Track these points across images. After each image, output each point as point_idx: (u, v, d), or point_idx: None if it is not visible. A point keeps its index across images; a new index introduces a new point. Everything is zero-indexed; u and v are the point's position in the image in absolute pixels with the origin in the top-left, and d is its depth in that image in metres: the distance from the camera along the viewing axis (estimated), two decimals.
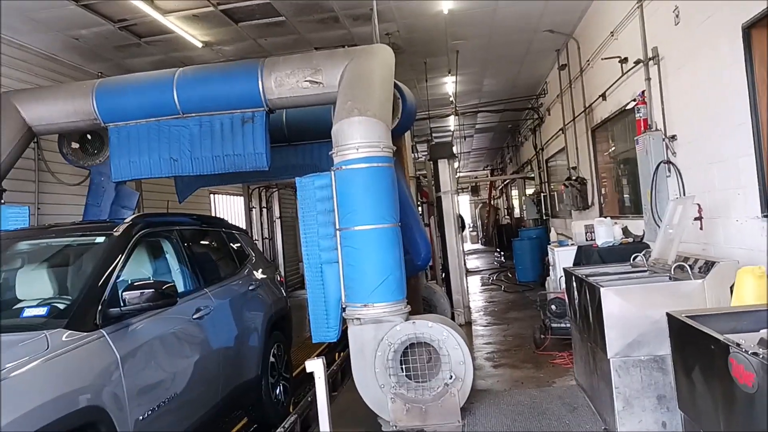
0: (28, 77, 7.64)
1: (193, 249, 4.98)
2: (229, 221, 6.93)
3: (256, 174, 6.69)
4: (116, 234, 4.09)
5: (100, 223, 5.41)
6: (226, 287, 5.13)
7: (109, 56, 8.87)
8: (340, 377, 6.49)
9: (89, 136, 6.65)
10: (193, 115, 5.85)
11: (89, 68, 8.99)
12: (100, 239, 4.13)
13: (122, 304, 3.53)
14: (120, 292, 3.62)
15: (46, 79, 7.97)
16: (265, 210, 15.32)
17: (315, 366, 3.60)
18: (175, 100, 5.76)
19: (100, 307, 3.47)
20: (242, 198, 14.63)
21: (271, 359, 5.59)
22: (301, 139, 7.20)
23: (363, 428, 4.58)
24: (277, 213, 15.82)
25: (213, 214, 13.30)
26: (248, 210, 14.62)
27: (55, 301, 3.70)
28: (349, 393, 5.30)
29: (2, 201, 5.74)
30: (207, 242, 5.66)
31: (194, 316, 4.33)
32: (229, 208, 14.37)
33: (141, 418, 3.48)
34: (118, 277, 3.77)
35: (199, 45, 8.80)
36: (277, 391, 5.68)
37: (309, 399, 5.34)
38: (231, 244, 5.87)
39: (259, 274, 5.95)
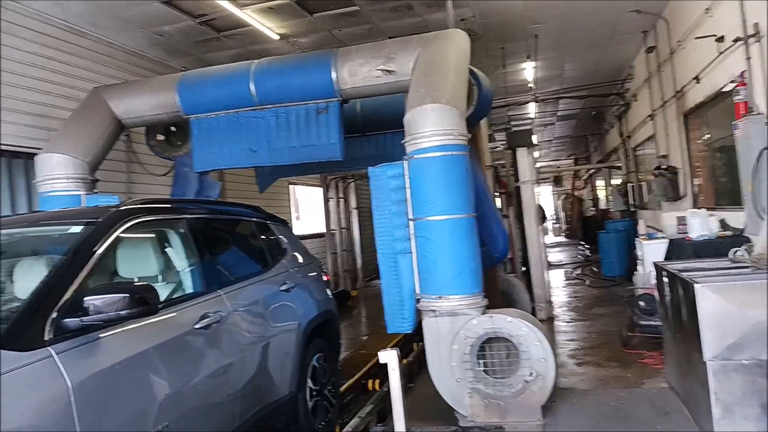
0: (117, 73, 8.03)
1: (208, 242, 4.13)
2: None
3: (330, 164, 6.69)
4: (96, 223, 3.28)
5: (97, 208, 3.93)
6: (249, 288, 4.30)
7: (191, 51, 9.17)
8: (417, 368, 6.40)
9: (173, 129, 6.87)
10: (270, 106, 5.92)
11: (172, 63, 9.34)
12: (76, 229, 3.28)
13: (85, 314, 2.68)
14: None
15: (133, 74, 8.34)
16: (341, 200, 15.45)
17: (388, 357, 3.52)
18: (252, 92, 5.85)
19: (52, 317, 2.63)
20: (320, 189, 14.82)
21: (311, 373, 4.82)
22: (375, 129, 7.14)
23: (439, 422, 4.47)
24: (353, 203, 15.93)
25: (291, 205, 13.59)
26: (326, 200, 14.80)
27: None
28: (425, 385, 5.19)
29: (95, 191, 6.02)
30: (228, 234, 4.88)
31: (198, 325, 3.48)
32: (308, 198, 14.62)
33: None
34: (88, 277, 2.96)
35: (276, 37, 8.92)
36: (320, 411, 4.88)
37: (385, 389, 5.28)
38: (261, 237, 5.08)
39: (297, 272, 5.12)
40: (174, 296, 3.67)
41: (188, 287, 3.77)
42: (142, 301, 2.81)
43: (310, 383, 4.73)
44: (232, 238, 4.89)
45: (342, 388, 5.97)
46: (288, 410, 4.40)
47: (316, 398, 4.82)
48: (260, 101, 5.89)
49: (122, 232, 3.35)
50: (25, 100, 6.63)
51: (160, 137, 6.89)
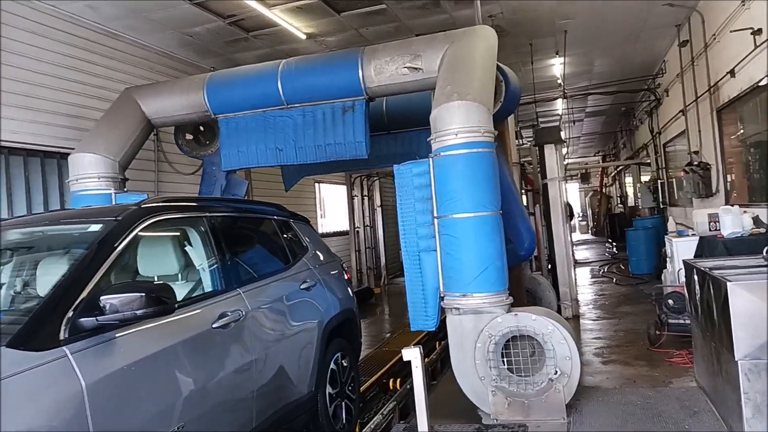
0: (148, 74, 8.19)
1: (228, 240, 4.07)
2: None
3: (356, 163, 6.74)
4: (116, 221, 3.28)
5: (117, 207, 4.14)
6: (268, 286, 4.25)
7: (220, 51, 9.29)
8: (440, 366, 6.41)
9: (202, 128, 6.99)
10: (297, 105, 5.99)
11: (202, 63, 9.48)
12: (96, 227, 3.28)
13: (101, 313, 2.67)
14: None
15: (164, 75, 8.50)
16: (366, 198, 15.51)
17: (412, 354, 3.54)
18: (280, 91, 5.92)
19: (68, 317, 2.62)
20: (345, 187, 14.90)
21: (331, 372, 4.75)
22: (401, 127, 7.16)
23: (462, 419, 4.47)
24: (378, 201, 15.97)
25: (317, 203, 13.68)
26: (350, 198, 14.87)
27: (10, 310, 3.08)
28: (448, 383, 5.19)
29: (125, 189, 6.16)
30: (248, 232, 4.84)
31: (216, 324, 3.45)
32: (333, 196, 14.70)
33: None
34: (107, 276, 2.97)
35: (303, 37, 8.99)
36: (339, 411, 4.81)
37: (408, 387, 5.30)
38: (282, 235, 4.99)
39: (317, 270, 5.04)
40: (193, 295, 3.66)
41: (207, 286, 3.74)
42: (159, 300, 2.79)
43: (329, 383, 4.68)
44: (252, 236, 4.85)
45: (363, 387, 5.96)
46: (307, 410, 4.35)
47: (336, 398, 4.77)
48: (287, 100, 5.96)
49: (141, 230, 3.33)
50: (58, 101, 6.81)
51: (189, 137, 7.02)
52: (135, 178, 7.04)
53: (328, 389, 4.66)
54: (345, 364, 5.00)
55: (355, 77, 5.65)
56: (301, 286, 4.64)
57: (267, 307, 4.08)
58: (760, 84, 6.72)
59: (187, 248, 3.83)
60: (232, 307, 3.65)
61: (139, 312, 2.70)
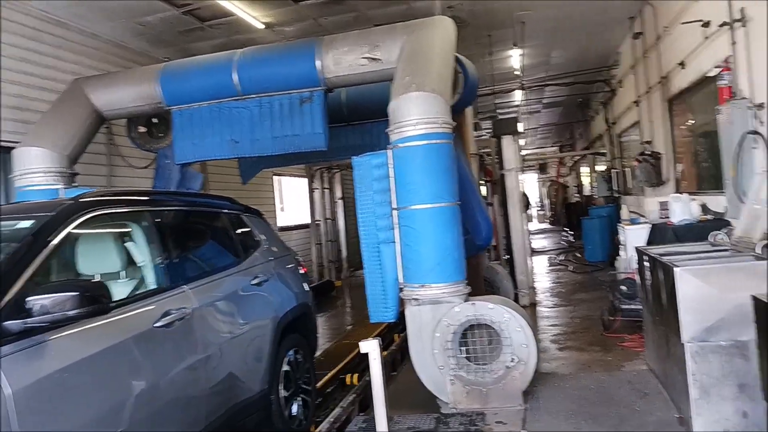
0: (98, 64, 7.92)
1: (174, 235, 3.94)
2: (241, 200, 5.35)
3: (315, 154, 6.66)
4: (48, 216, 3.09)
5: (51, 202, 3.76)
6: (217, 282, 4.10)
7: (175, 41, 9.07)
8: (400, 357, 6.45)
9: (155, 120, 6.81)
10: (253, 96, 5.89)
11: (156, 54, 9.23)
12: (27, 224, 3.09)
13: (30, 315, 2.53)
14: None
15: (116, 66, 8.24)
16: (327, 191, 15.43)
17: (369, 347, 3.54)
18: (235, 82, 5.82)
19: None
20: (305, 179, 14.79)
21: (285, 369, 4.63)
22: (360, 118, 7.13)
23: (422, 410, 4.51)
24: (338, 194, 15.91)
25: (276, 196, 13.54)
26: (311, 191, 14.77)
27: None
28: (408, 374, 5.23)
29: (74, 184, 5.97)
30: (196, 227, 4.64)
31: (159, 323, 3.30)
32: (293, 189, 14.57)
33: None
34: (39, 275, 2.82)
35: (261, 26, 8.85)
36: (294, 408, 4.70)
37: (367, 379, 5.31)
38: (233, 229, 4.83)
39: (270, 265, 4.92)
40: (136, 293, 3.52)
41: (151, 283, 3.58)
42: (93, 299, 2.67)
43: (283, 380, 4.58)
44: (201, 231, 4.68)
45: (321, 383, 5.92)
46: (260, 408, 4.24)
47: (291, 395, 4.67)
48: (243, 91, 5.86)
49: (78, 226, 3.17)
50: (3, 93, 6.53)
51: (142, 129, 6.83)
52: (86, 172, 6.81)
53: (282, 386, 4.56)
54: (300, 360, 4.91)
55: (313, 67, 5.60)
56: (253, 282, 4.50)
57: (215, 303, 3.95)
58: (709, 75, 6.93)
59: (130, 244, 3.68)
60: (176, 305, 3.51)
61: (71, 313, 2.58)
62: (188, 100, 6.06)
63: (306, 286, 5.40)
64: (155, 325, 3.29)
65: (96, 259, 3.49)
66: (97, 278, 3.40)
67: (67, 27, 7.58)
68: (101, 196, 3.63)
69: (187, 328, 3.52)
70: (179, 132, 6.13)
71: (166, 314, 3.38)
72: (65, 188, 5.57)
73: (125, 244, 3.67)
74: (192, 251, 4.29)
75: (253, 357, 4.23)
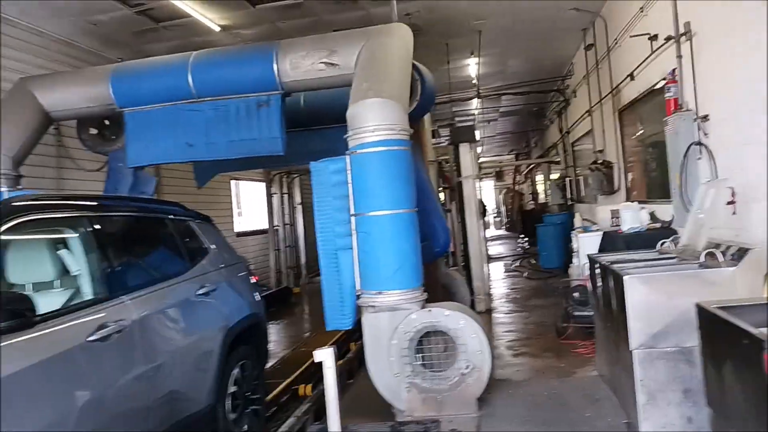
0: (47, 63, 7.63)
1: (114, 243, 3.77)
2: (188, 207, 5.13)
3: (273, 159, 6.60)
4: None
5: None
6: (160, 293, 3.89)
7: (128, 42, 8.84)
8: (357, 365, 6.41)
9: (107, 122, 6.62)
10: (209, 99, 5.80)
11: (108, 54, 8.96)
12: None
13: None
14: None
15: (66, 65, 7.96)
16: (286, 196, 15.28)
17: (324, 355, 3.51)
18: (190, 84, 5.72)
19: None
20: (263, 184, 14.61)
21: (234, 382, 4.46)
22: (319, 123, 7.08)
23: (377, 418, 4.49)
24: (298, 199, 15.78)
25: (233, 200, 13.32)
26: (269, 196, 14.60)
27: None
28: (365, 381, 5.20)
29: (19, 187, 5.74)
30: (139, 233, 4.40)
31: (92, 337, 3.08)
32: (251, 194, 14.38)
33: None
34: None
35: (217, 29, 8.71)
36: (244, 421, 4.54)
37: (322, 388, 5.26)
38: (179, 236, 4.62)
39: (219, 273, 4.72)
40: (69, 304, 3.30)
41: (87, 293, 3.36)
42: (14, 313, 2.49)
43: (232, 393, 4.41)
44: (144, 238, 4.45)
45: (275, 392, 5.83)
46: (206, 423, 4.08)
47: (240, 408, 4.49)
48: (198, 94, 5.75)
49: (5, 232, 2.94)
50: None
51: (93, 131, 6.63)
52: (33, 175, 6.58)
53: (231, 400, 4.40)
54: (250, 372, 4.74)
55: (270, 71, 5.54)
56: (199, 291, 4.31)
57: (158, 315, 3.76)
58: (656, 87, 7.17)
59: (64, 252, 3.46)
60: (114, 317, 3.31)
61: None
62: (141, 102, 5.91)
63: (257, 296, 5.23)
64: (89, 338, 3.08)
65: (26, 268, 3.30)
66: (29, 288, 3.21)
67: (13, 24, 7.29)
68: (33, 200, 3.41)
69: (125, 341, 3.33)
70: (132, 134, 5.98)
71: (101, 327, 3.18)
72: (9, 191, 5.40)
73: (59, 252, 3.44)
74: (134, 260, 4.11)
75: (199, 370, 4.05)
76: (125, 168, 6.40)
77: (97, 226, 3.61)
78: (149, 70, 5.98)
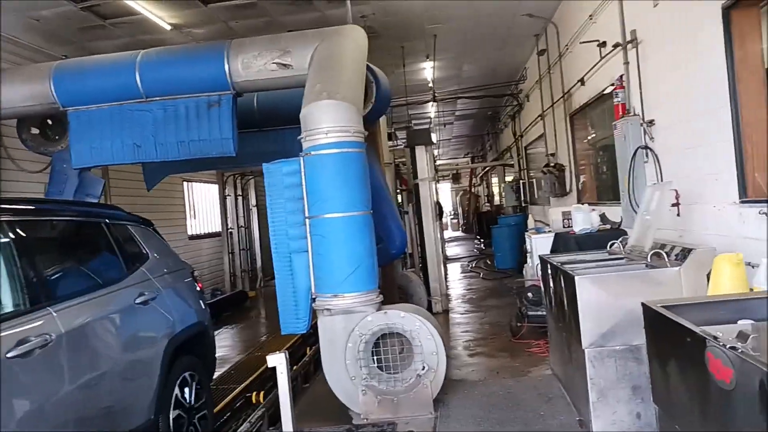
0: None
1: (39, 250, 3.53)
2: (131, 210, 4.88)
3: (225, 160, 6.48)
4: None
5: None
6: (93, 302, 3.63)
7: (73, 39, 8.54)
8: (313, 369, 6.34)
9: (50, 122, 6.37)
10: (157, 99, 5.64)
11: (52, 51, 8.62)
12: None
13: None
14: None
15: (6, 62, 7.60)
16: (240, 198, 15.03)
17: (276, 360, 3.44)
18: (138, 84, 5.55)
19: None
20: (216, 186, 14.34)
21: (177, 394, 4.24)
22: (273, 124, 6.98)
23: (333, 421, 4.45)
24: (253, 201, 15.54)
25: (186, 203, 13.03)
26: (222, 198, 14.34)
27: None
28: (321, 385, 5.15)
29: None
30: (69, 239, 4.11)
31: (12, 353, 2.84)
32: (204, 196, 14.09)
33: None
34: None
35: (168, 27, 8.50)
36: None
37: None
38: (115, 241, 4.30)
39: (160, 281, 4.46)
40: None
41: (7, 305, 3.09)
42: None
43: (175, 406, 4.19)
44: (74, 244, 4.15)
45: (232, 395, 5.72)
46: None
47: (184, 422, 4.28)
48: (147, 93, 5.59)
49: None
50: None
51: (35, 130, 6.36)
52: None
53: (174, 413, 4.17)
54: (196, 384, 4.51)
55: (221, 71, 5.43)
56: (137, 300, 4.06)
57: (89, 326, 3.50)
58: (605, 93, 7.36)
59: None
60: (38, 330, 3.05)
61: None
62: (86, 101, 5.70)
63: (202, 304, 5.02)
64: (7, 355, 2.83)
65: None
66: None
67: None
68: None
69: (51, 356, 3.08)
70: (76, 135, 5.75)
71: (22, 342, 2.92)
72: None
73: None
74: (63, 267, 3.81)
75: (137, 383, 3.85)
76: (69, 169, 6.17)
77: (19, 232, 3.35)
78: (95, 69, 5.78)
